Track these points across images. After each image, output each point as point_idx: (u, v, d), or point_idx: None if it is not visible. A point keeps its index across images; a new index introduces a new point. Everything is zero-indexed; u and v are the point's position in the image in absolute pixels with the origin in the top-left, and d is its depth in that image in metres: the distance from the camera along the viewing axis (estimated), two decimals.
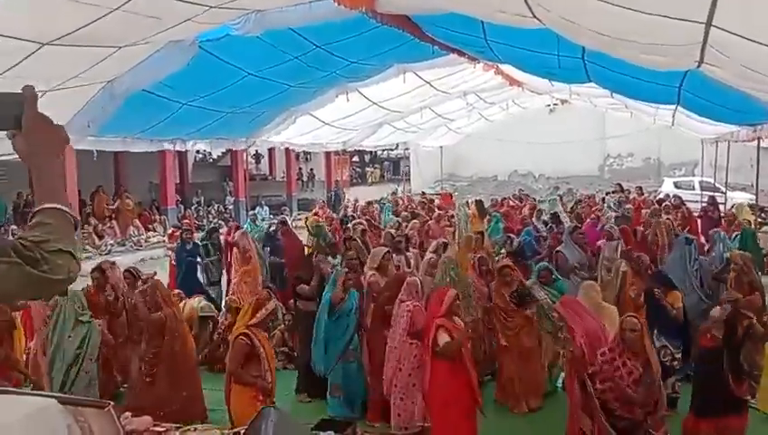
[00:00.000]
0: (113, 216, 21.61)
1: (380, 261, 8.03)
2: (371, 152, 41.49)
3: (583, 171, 30.32)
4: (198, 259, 11.43)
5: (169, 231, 15.74)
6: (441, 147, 25.47)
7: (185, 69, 7.75)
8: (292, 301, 9.12)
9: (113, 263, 9.06)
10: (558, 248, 9.62)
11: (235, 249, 11.42)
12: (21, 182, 20.93)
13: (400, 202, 19.59)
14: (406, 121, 17.58)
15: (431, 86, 13.98)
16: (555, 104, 23.12)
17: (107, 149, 9.76)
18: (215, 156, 31.34)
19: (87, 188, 21.10)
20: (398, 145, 23.47)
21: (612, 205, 16.86)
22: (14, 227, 18.81)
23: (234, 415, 5.73)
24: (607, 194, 20.73)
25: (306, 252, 11.59)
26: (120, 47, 6.56)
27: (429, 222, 13.29)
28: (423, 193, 23.03)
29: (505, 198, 19.23)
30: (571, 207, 16.47)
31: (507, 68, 13.29)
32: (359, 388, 7.28)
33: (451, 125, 21.13)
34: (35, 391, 3.83)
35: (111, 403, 3.51)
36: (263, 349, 5.76)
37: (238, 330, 5.90)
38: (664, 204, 15.93)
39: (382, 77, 11.62)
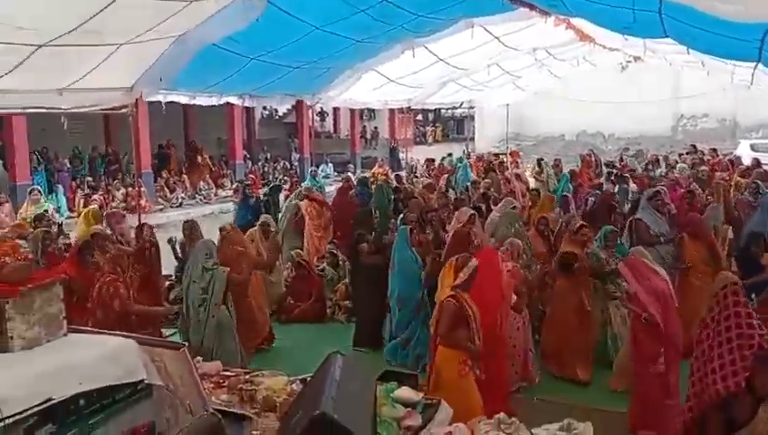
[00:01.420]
0: (184, 169, 22.20)
1: (466, 222, 7.89)
2: (435, 111, 41.10)
3: (655, 132, 29.32)
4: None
5: (234, 186, 16.08)
6: (507, 105, 24.99)
7: (253, 24, 7.79)
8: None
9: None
10: (638, 215, 8.89)
11: (305, 204, 11.59)
12: (96, 136, 21.68)
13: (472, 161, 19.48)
14: (472, 79, 17.25)
15: (499, 42, 13.64)
16: (628, 61, 22.25)
17: (177, 101, 9.95)
18: (281, 113, 31.72)
19: (158, 141, 21.69)
20: (462, 103, 23.12)
21: (686, 167, 16.30)
22: (89, 178, 19.54)
23: (437, 378, 5.48)
24: (680, 156, 20.10)
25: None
26: (191, 1, 6.63)
27: (513, 180, 13.27)
28: (495, 154, 22.86)
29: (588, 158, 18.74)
30: (644, 168, 16.03)
31: (579, 22, 12.86)
32: (425, 345, 7.34)
33: (518, 82, 20.67)
34: (115, 332, 4.01)
35: (186, 344, 3.70)
36: (470, 311, 5.46)
37: (444, 292, 5.59)
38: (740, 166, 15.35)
39: (450, 32, 11.40)
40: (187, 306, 6.92)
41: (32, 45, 6.45)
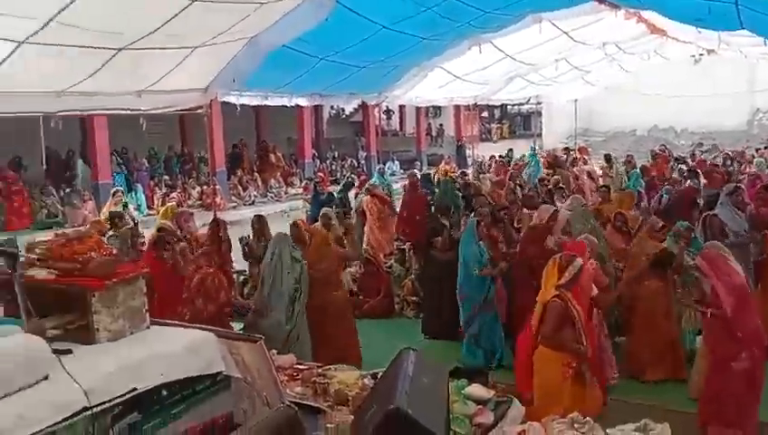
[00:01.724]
0: (256, 168, 22.64)
1: (548, 219, 7.53)
2: (501, 107, 40.59)
3: (730, 126, 28.16)
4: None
5: (304, 184, 16.27)
6: (576, 100, 24.48)
7: (322, 24, 7.88)
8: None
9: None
10: (715, 211, 8.43)
11: (367, 200, 11.66)
12: (172, 136, 22.34)
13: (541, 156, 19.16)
14: (539, 74, 16.99)
15: (568, 36, 13.39)
16: (701, 54, 21.47)
17: (249, 103, 10.14)
18: (348, 112, 31.98)
19: (231, 141, 22.18)
20: (529, 99, 22.78)
21: (764, 161, 15.61)
22: (166, 177, 20.16)
23: (538, 380, 5.35)
24: (757, 150, 19.27)
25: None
26: (263, 3, 6.74)
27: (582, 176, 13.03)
28: (566, 148, 22.42)
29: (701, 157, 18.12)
30: (722, 164, 15.44)
31: (650, 15, 12.49)
32: (494, 340, 7.27)
33: (587, 77, 20.24)
34: (196, 325, 4.11)
35: (263, 338, 3.76)
36: (575, 311, 5.25)
37: (548, 292, 5.38)
38: None
39: (517, 27, 11.25)
40: (270, 297, 6.99)
41: (113, 49, 6.70)
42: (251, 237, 9.29)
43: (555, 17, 11.51)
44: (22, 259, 3.50)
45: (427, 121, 33.31)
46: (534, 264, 6.57)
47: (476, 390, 4.51)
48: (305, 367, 5.41)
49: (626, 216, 8.60)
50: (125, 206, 12.04)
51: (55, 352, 3.10)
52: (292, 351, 6.15)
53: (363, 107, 25.21)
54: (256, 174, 22.18)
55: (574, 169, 15.60)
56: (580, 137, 27.85)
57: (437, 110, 34.22)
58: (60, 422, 2.86)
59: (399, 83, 13.01)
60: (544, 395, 5.17)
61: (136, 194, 18.25)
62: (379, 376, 4.92)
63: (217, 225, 8.44)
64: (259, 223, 9.08)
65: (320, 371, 5.12)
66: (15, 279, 3.23)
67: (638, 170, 14.10)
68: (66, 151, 18.48)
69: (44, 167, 14.97)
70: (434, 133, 35.93)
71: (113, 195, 12.66)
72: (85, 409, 2.97)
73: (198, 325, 4.13)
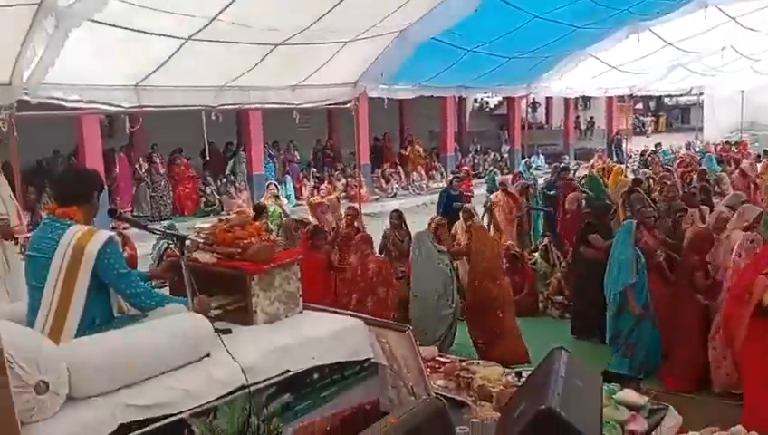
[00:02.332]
0: (399, 161, 22.96)
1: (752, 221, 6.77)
2: (657, 99, 38.43)
3: None
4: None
5: (448, 178, 16.23)
6: (742, 91, 22.68)
7: (471, 15, 7.80)
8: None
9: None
10: None
11: (499, 196, 11.46)
12: (320, 129, 23.13)
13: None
14: (703, 63, 15.87)
15: (736, 22, 12.41)
16: None
17: (395, 97, 10.25)
18: (491, 105, 31.61)
19: (375, 134, 22.62)
20: (691, 90, 21.36)
21: None
22: (314, 169, 20.92)
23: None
24: None
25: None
26: None
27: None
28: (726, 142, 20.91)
29: None
30: None
31: None
32: (649, 348, 6.85)
33: (756, 66, 18.67)
34: (349, 312, 4.24)
35: (410, 328, 3.80)
36: None
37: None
38: None
39: (679, 14, 10.57)
40: (423, 291, 7.10)
41: (270, 45, 7.02)
42: (393, 232, 9.44)
43: (722, 2, 10.72)
44: (188, 243, 3.75)
45: (575, 113, 32.20)
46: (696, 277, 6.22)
47: (629, 395, 4.33)
48: (448, 360, 5.43)
49: None
50: (276, 197, 12.62)
51: (217, 331, 3.30)
52: (440, 344, 6.22)
53: (508, 99, 24.87)
54: (399, 167, 22.47)
55: (741, 166, 14.49)
56: (746, 131, 25.82)
57: (587, 101, 33.01)
58: (220, 398, 3.04)
59: (549, 74, 12.64)
60: None
61: (286, 186, 19.08)
62: (523, 374, 4.85)
63: (352, 216, 8.77)
64: (398, 217, 9.24)
65: (463, 364, 5.12)
66: (183, 261, 3.45)
67: None
68: (224, 144, 19.64)
69: (206, 158, 15.99)
70: (583, 126, 34.69)
71: (267, 187, 13.29)
72: (243, 387, 3.14)
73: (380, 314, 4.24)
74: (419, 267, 7.17)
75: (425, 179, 22.37)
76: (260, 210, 10.05)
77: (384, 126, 22.98)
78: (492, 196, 11.92)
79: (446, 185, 13.81)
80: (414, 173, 22.42)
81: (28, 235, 4.78)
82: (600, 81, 14.71)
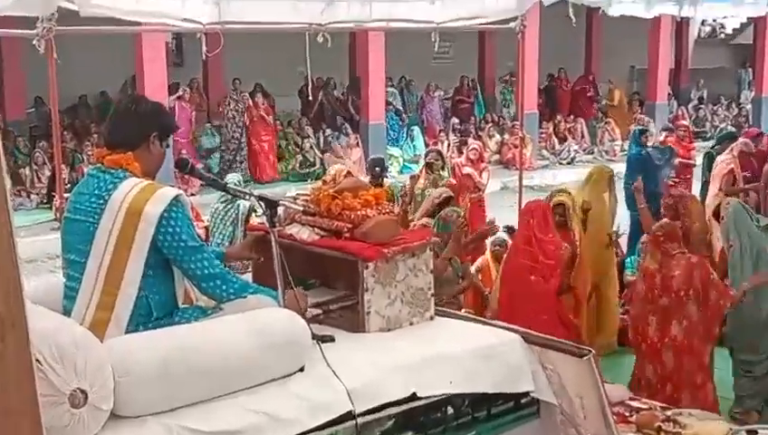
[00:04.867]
0: (579, 111, 22.61)
1: None
2: None
3: None
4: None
5: (664, 135, 15.41)
6: None
7: None
8: None
9: None
10: None
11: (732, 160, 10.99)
12: (468, 63, 23.14)
13: None
14: None
15: None
16: None
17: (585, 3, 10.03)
18: (729, 30, 30.30)
19: (547, 71, 22.32)
20: None
21: None
22: (455, 120, 20.99)
23: None
24: None
25: None
26: None
27: None
28: None
29: None
30: None
31: None
32: None
33: None
34: (501, 323, 4.23)
35: (593, 352, 3.71)
36: None
37: None
38: None
39: None
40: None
41: None
42: None
43: None
44: (281, 211, 3.82)
45: None
46: None
47: None
48: (644, 406, 5.35)
49: None
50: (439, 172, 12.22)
51: (315, 337, 3.36)
52: None
53: (755, 21, 23.64)
54: (580, 120, 22.07)
55: None
56: None
57: None
58: (317, 429, 3.11)
59: None
60: None
61: (412, 142, 19.17)
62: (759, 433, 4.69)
63: None
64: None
65: (667, 414, 5.03)
66: (272, 237, 3.49)
67: None
68: (326, 80, 19.86)
69: (307, 98, 16.25)
70: None
71: (425, 157, 13.06)
72: (348, 415, 3.19)
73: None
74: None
75: (618, 139, 21.76)
76: (372, 167, 10.14)
77: (560, 59, 22.68)
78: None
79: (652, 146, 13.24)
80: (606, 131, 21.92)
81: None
82: None
